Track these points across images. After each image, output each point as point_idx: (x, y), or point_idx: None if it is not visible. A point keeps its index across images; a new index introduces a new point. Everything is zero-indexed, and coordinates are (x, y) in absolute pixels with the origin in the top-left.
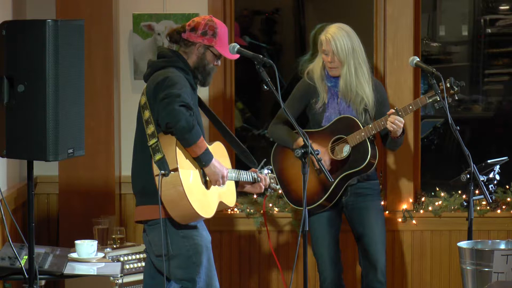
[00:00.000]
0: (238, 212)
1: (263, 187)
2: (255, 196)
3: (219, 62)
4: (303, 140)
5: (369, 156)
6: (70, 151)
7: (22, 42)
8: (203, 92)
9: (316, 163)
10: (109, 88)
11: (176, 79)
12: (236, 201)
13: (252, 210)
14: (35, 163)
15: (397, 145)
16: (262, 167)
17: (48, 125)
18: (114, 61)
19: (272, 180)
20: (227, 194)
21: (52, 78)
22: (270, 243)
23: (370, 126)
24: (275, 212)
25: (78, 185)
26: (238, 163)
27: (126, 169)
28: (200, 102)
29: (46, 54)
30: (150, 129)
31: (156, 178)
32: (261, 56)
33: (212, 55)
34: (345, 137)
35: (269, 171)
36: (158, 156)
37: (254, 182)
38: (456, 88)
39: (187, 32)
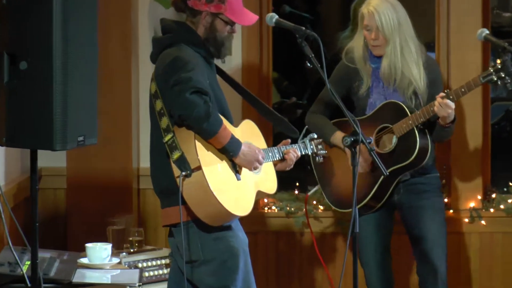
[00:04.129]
0: (276, 210)
1: (294, 159)
2: (296, 191)
3: (235, 28)
4: (353, 127)
5: (417, 148)
6: (81, 139)
7: (25, 12)
8: (235, 67)
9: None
10: (127, 66)
11: (186, 58)
12: (274, 197)
13: (292, 208)
14: (40, 153)
15: (446, 135)
16: (305, 136)
17: (55, 109)
18: (133, 34)
19: (319, 146)
20: (265, 180)
21: (59, 54)
22: (316, 246)
23: (418, 112)
24: (319, 210)
25: (90, 179)
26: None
27: (146, 160)
28: (223, 74)
29: (53, 26)
30: (164, 122)
31: (177, 180)
32: (304, 28)
33: (223, 23)
34: (391, 126)
35: (314, 136)
36: (176, 155)
37: (283, 158)
38: None
39: (192, 0)
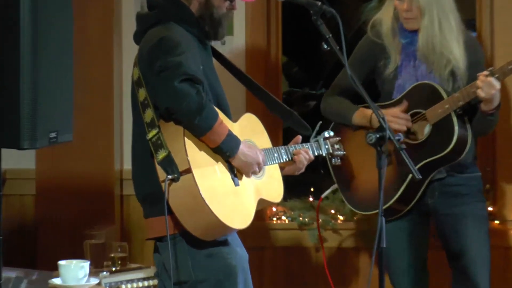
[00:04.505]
0: (287, 221)
1: (305, 162)
2: (311, 198)
3: (235, 4)
4: (379, 121)
5: (455, 137)
6: (53, 135)
7: None
8: (237, 50)
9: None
10: (108, 51)
11: (175, 39)
12: (284, 206)
13: (306, 219)
14: (4, 152)
15: (489, 125)
16: (318, 133)
17: (22, 100)
18: (115, 12)
19: (336, 146)
20: (269, 186)
21: (28, 36)
22: (325, 263)
23: (457, 95)
24: (338, 221)
25: (64, 183)
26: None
27: (130, 161)
28: (221, 58)
29: (20, 4)
30: (148, 115)
31: (163, 185)
32: (319, 3)
33: None
34: (424, 111)
35: (329, 134)
36: (161, 154)
37: (292, 160)
38: None
39: None
